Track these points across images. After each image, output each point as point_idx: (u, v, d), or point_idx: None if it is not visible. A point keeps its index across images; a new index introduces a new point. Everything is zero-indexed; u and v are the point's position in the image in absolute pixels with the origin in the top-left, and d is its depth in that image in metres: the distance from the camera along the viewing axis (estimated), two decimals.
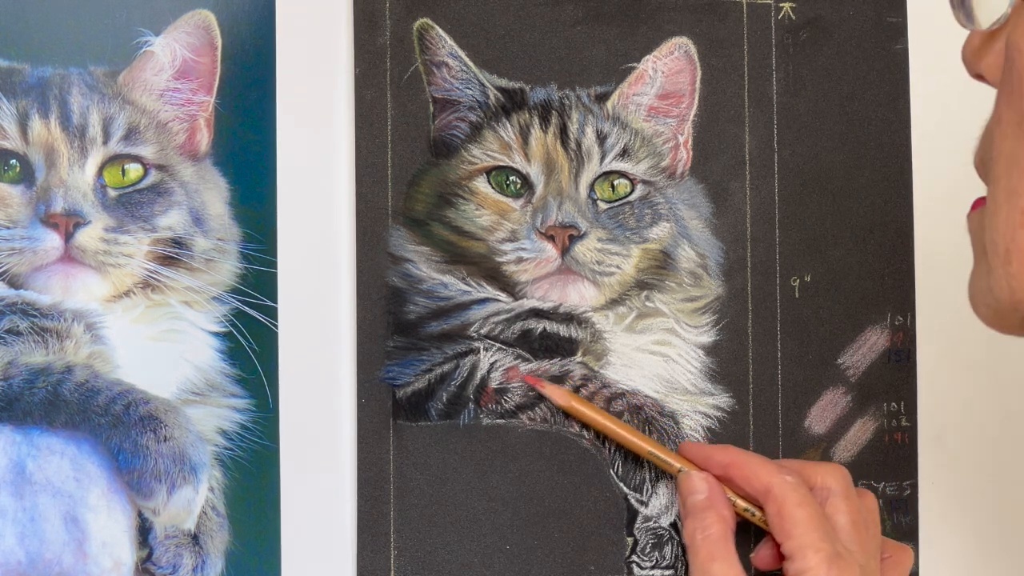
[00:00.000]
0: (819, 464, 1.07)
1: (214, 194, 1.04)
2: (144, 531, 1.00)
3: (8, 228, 0.99)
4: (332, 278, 1.06)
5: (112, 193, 1.01)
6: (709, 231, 1.12)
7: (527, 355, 1.09)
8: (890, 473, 1.14)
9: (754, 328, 1.12)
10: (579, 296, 1.10)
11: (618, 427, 1.07)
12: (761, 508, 1.04)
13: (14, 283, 0.99)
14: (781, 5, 1.13)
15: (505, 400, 1.08)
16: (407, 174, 1.08)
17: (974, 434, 1.16)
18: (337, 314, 1.06)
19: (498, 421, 1.08)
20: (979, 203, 0.87)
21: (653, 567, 1.10)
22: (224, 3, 1.04)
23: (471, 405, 1.08)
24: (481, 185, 1.09)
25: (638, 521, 1.10)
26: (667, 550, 1.10)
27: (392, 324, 1.07)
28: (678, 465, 1.06)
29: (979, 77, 0.87)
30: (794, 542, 1.01)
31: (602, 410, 1.08)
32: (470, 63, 1.09)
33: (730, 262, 1.12)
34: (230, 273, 1.04)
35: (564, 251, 1.09)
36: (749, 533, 1.09)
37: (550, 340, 1.09)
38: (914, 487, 1.14)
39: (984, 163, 0.86)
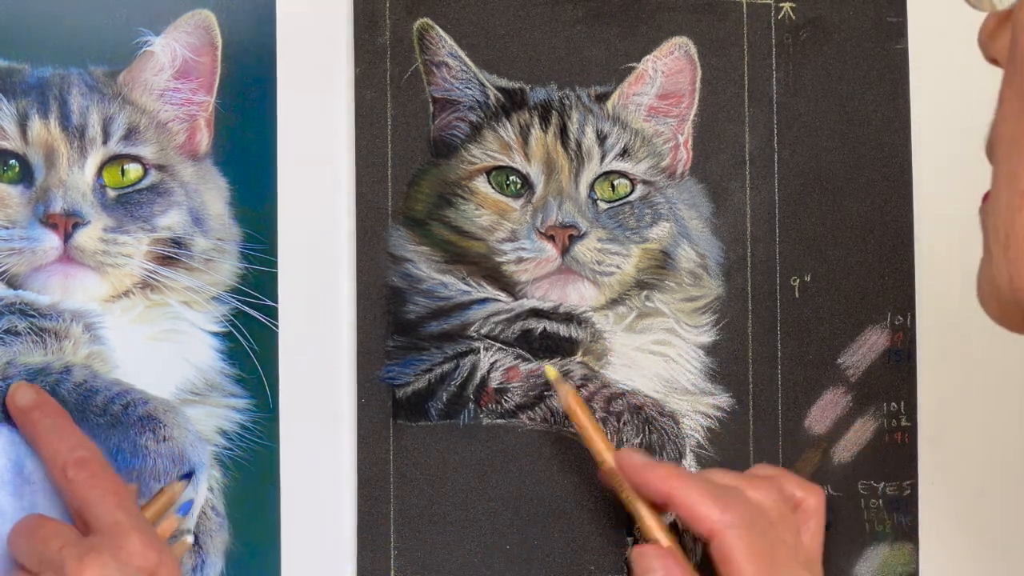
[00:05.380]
0: (794, 480, 1.05)
1: (214, 194, 1.04)
2: None
3: (7, 228, 0.99)
4: (332, 278, 1.06)
5: (111, 193, 1.01)
6: (709, 231, 1.12)
7: (527, 355, 1.09)
8: (890, 473, 1.13)
9: (754, 328, 1.12)
10: (579, 296, 1.10)
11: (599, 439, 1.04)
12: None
13: (13, 283, 0.99)
14: (781, 5, 1.13)
15: (505, 400, 1.08)
16: (407, 174, 1.08)
17: (974, 434, 1.16)
18: (337, 314, 1.06)
19: (498, 421, 1.08)
20: (989, 195, 0.86)
21: None
22: (224, 3, 1.04)
23: (471, 405, 1.08)
24: (481, 185, 1.09)
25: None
26: None
27: (392, 324, 1.07)
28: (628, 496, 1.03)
29: (993, 61, 0.85)
30: None
31: (595, 422, 1.05)
32: (470, 63, 1.09)
33: (730, 262, 1.12)
34: (230, 273, 1.04)
35: (564, 251, 1.09)
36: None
37: (550, 340, 1.09)
38: (914, 487, 1.14)
39: (991, 148, 0.85)
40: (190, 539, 0.99)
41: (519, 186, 1.09)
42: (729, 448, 1.11)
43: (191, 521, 1.00)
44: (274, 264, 1.04)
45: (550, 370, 1.06)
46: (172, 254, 1.02)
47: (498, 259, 1.09)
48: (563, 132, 1.09)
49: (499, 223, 1.09)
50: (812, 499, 1.04)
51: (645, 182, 1.11)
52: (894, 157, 1.14)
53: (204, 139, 1.04)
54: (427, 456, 1.07)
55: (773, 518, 1.00)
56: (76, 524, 0.93)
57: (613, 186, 1.10)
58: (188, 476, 0.98)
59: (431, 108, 1.09)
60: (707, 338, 1.12)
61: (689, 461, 1.10)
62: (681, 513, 0.99)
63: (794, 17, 1.13)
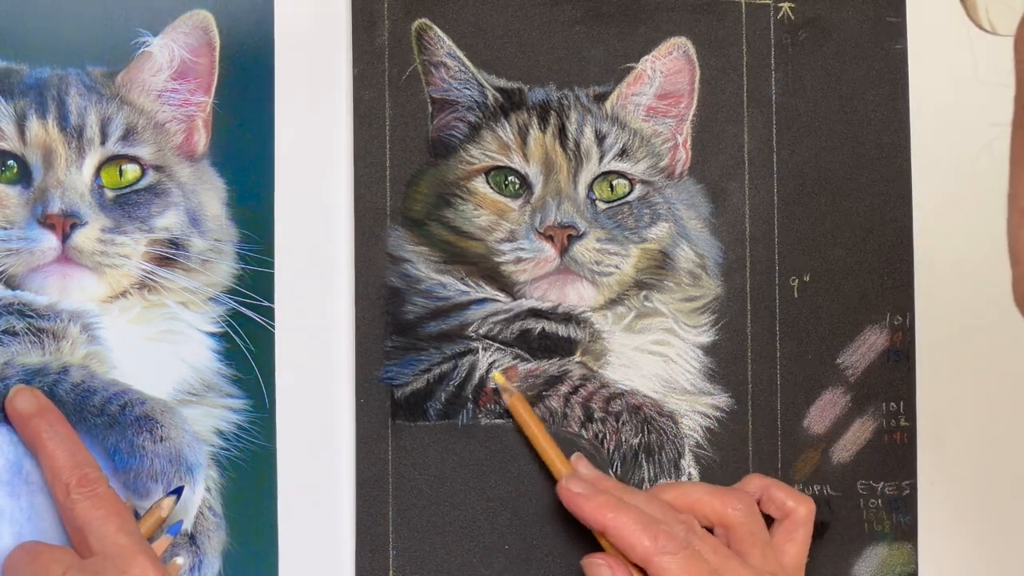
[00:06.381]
0: (785, 489, 1.07)
1: (211, 195, 1.04)
2: None
3: (5, 229, 0.99)
4: (330, 278, 1.06)
5: (109, 194, 1.01)
6: (708, 231, 1.12)
7: (526, 355, 1.09)
8: (889, 473, 1.13)
9: (753, 328, 1.12)
10: (578, 296, 1.10)
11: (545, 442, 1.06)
12: None
13: (11, 284, 0.99)
14: (780, 5, 1.13)
15: (504, 400, 1.08)
16: (405, 174, 1.08)
17: (974, 434, 1.15)
18: (335, 314, 1.06)
19: (497, 421, 1.08)
20: None
21: None
22: (223, 3, 1.04)
23: (470, 405, 1.08)
24: (480, 185, 1.09)
25: None
26: None
27: (391, 324, 1.07)
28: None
29: None
30: None
31: (540, 424, 1.07)
32: (468, 63, 1.09)
33: (729, 262, 1.12)
34: (227, 274, 1.04)
35: (563, 251, 1.09)
36: None
37: (549, 340, 1.09)
38: (914, 487, 1.14)
39: None
40: (180, 560, 0.99)
41: (518, 186, 1.09)
42: (728, 448, 1.11)
43: (188, 523, 1.00)
44: (271, 265, 1.04)
45: (497, 376, 1.06)
46: (169, 255, 1.02)
47: (497, 259, 1.09)
48: (562, 132, 1.09)
49: (498, 223, 1.09)
50: (802, 509, 1.06)
51: (644, 182, 1.11)
52: (894, 157, 1.14)
53: (202, 140, 1.04)
54: (426, 456, 1.07)
55: (741, 534, 1.02)
56: (73, 541, 0.94)
57: (612, 186, 1.10)
58: (177, 492, 0.98)
59: (430, 108, 1.09)
60: (706, 338, 1.12)
61: (688, 461, 1.10)
62: (617, 544, 1.02)
63: (793, 17, 1.13)
